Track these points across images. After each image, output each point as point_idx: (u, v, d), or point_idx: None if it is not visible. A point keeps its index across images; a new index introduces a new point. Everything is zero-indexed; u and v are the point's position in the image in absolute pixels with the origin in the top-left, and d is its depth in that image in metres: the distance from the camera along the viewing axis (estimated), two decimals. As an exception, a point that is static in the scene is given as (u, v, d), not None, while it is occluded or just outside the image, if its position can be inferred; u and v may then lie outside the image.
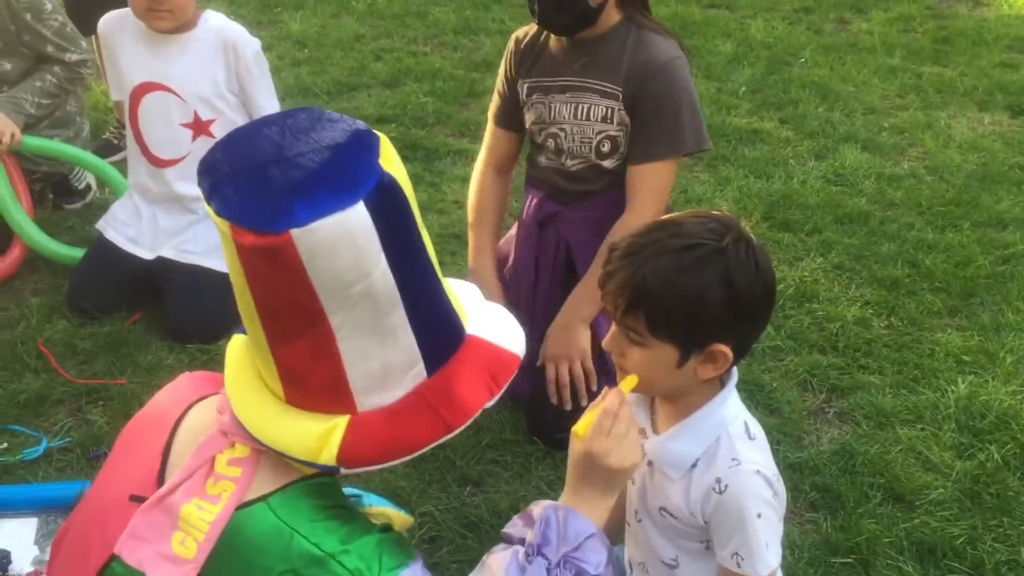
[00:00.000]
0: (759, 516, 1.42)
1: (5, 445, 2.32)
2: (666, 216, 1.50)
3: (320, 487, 1.21)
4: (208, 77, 2.71)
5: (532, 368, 2.47)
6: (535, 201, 2.49)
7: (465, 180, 3.60)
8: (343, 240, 1.07)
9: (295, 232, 1.05)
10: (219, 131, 2.75)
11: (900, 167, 3.91)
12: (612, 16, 2.29)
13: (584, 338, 2.29)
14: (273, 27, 5.16)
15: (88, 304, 2.76)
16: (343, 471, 1.16)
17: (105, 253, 2.86)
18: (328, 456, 1.14)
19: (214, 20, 2.74)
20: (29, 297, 2.91)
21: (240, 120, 2.78)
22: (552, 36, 2.38)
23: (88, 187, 3.44)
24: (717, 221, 1.40)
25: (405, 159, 3.76)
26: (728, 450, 1.44)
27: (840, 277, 3.14)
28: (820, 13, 5.63)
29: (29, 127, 3.02)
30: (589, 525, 1.29)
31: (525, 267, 2.51)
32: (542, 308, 2.47)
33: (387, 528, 1.22)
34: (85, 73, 3.15)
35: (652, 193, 2.31)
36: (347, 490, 1.53)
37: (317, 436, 1.15)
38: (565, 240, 2.45)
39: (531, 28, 2.44)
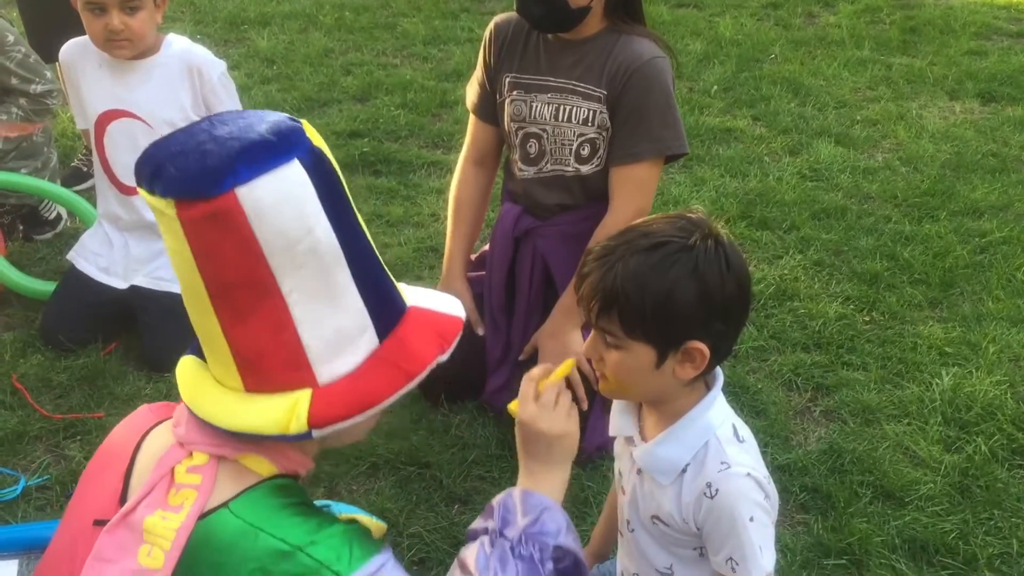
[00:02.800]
0: (751, 519, 1.41)
1: (-17, 485, 2.28)
2: (639, 219, 1.51)
3: (283, 487, 1.22)
4: (174, 102, 2.67)
5: (514, 385, 2.45)
6: (511, 216, 2.45)
7: (440, 192, 3.59)
8: (285, 194, 1.13)
9: (239, 190, 1.10)
10: (188, 155, 2.71)
11: (874, 160, 3.92)
12: (598, 22, 2.26)
13: (577, 341, 2.27)
14: (240, 45, 5.12)
15: (62, 336, 2.72)
16: (315, 434, 1.17)
17: (77, 284, 2.81)
18: (298, 424, 1.16)
19: (177, 44, 2.70)
20: (1, 332, 2.86)
21: (209, 143, 2.75)
22: (538, 33, 2.32)
23: (59, 217, 3.39)
24: (687, 220, 1.41)
25: (379, 173, 3.77)
26: (717, 454, 1.44)
27: (820, 273, 3.13)
28: (788, 8, 5.65)
29: (-5, 160, 2.98)
30: (545, 499, 1.34)
31: (498, 285, 2.48)
32: (519, 327, 2.45)
33: (353, 522, 1.22)
34: (51, 104, 3.11)
35: (634, 195, 2.28)
36: (318, 503, 1.52)
37: (284, 410, 1.17)
38: (542, 255, 2.42)
39: (513, 17, 2.37)
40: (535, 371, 1.45)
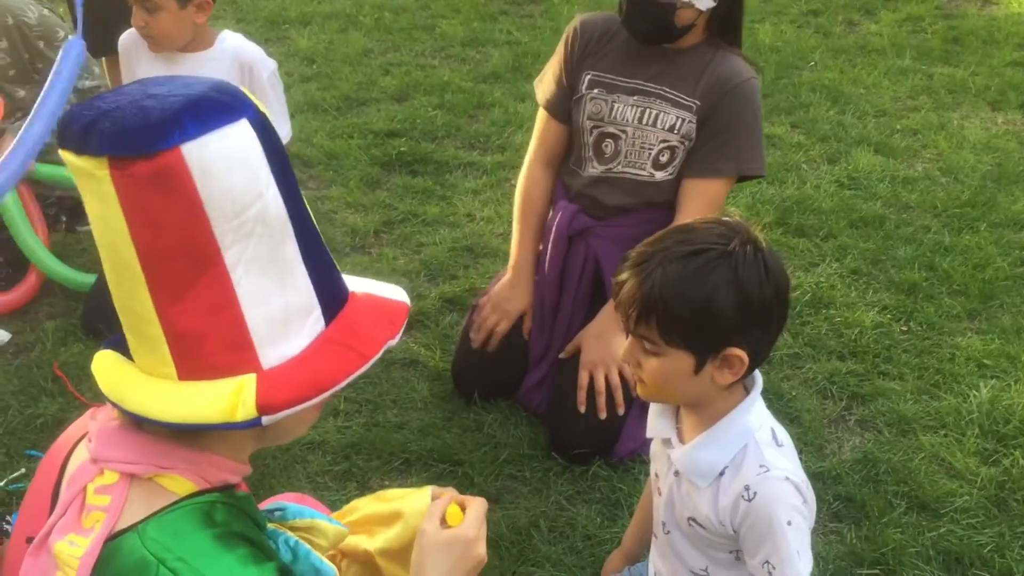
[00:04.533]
0: (789, 523, 1.41)
1: (23, 471, 2.31)
2: (676, 224, 1.50)
3: (205, 508, 1.08)
4: (221, 96, 2.70)
5: (550, 383, 2.45)
6: (567, 214, 2.43)
7: (476, 192, 3.60)
8: (235, 154, 1.03)
9: (186, 146, 0.99)
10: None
11: (914, 169, 3.89)
12: (698, 35, 2.26)
13: (621, 344, 2.26)
14: (281, 44, 5.17)
15: (103, 326, 2.75)
16: (265, 420, 1.05)
17: (118, 275, 2.85)
18: (246, 410, 1.04)
19: (231, 40, 2.73)
20: (44, 320, 2.91)
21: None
22: (627, 35, 2.31)
23: (101, 209, 3.44)
24: (725, 226, 1.40)
25: (415, 173, 3.79)
26: (756, 457, 1.44)
27: (857, 282, 3.11)
28: (828, 16, 5.61)
29: (42, 154, 3.02)
30: None
31: (552, 283, 2.47)
32: (563, 326, 2.45)
33: (286, 569, 1.10)
34: (97, 99, 3.15)
35: (703, 209, 2.26)
36: (272, 505, 1.41)
37: (229, 395, 1.05)
38: (595, 255, 2.41)
39: (601, 16, 2.38)
40: (484, 504, 1.33)
